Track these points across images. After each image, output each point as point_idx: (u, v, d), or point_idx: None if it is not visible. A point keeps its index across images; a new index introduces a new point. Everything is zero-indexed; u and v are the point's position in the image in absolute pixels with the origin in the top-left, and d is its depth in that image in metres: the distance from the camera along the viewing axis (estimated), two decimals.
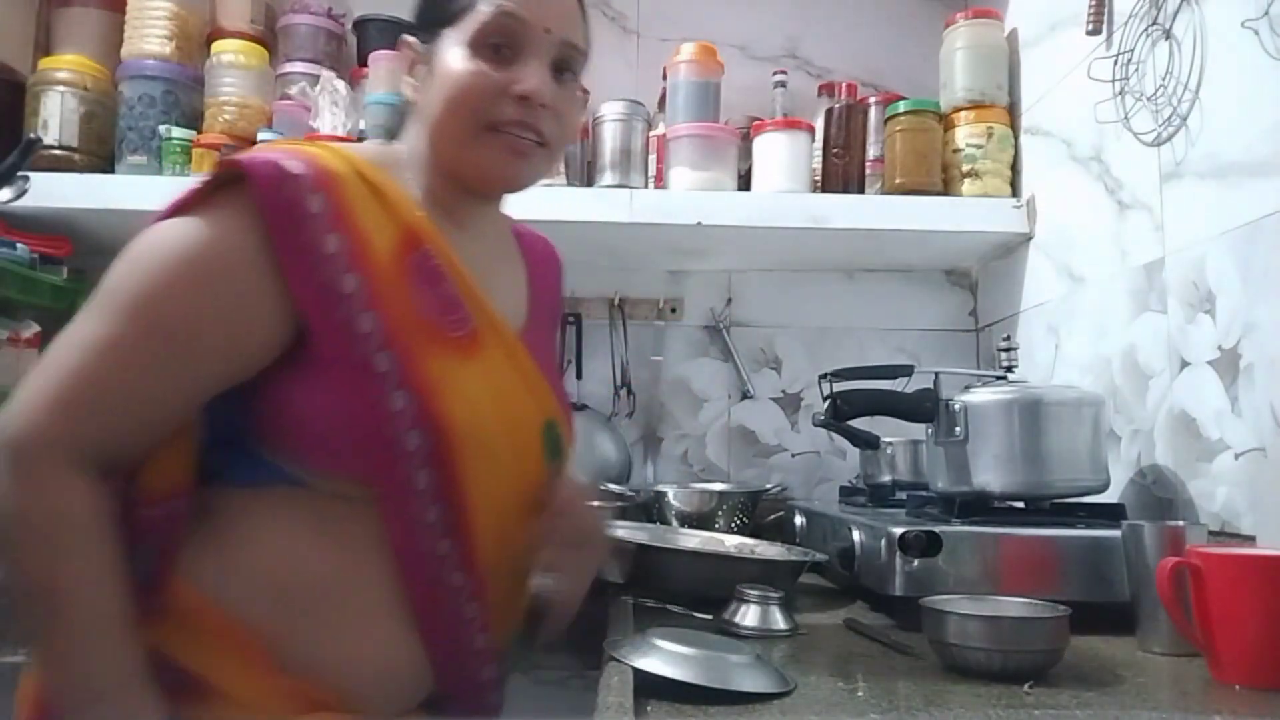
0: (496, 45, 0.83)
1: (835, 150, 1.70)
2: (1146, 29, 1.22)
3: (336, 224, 0.75)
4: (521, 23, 0.83)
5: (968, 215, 1.62)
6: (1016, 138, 1.66)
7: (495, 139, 0.83)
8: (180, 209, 0.75)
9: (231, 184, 0.74)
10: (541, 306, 0.96)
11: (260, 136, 1.61)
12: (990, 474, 1.13)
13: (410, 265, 0.79)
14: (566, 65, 0.87)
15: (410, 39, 0.89)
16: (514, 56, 0.83)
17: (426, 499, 0.76)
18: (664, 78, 1.74)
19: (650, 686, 0.73)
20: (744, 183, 1.70)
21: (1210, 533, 1.00)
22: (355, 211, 0.77)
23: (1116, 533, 0.99)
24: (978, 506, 1.13)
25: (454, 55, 0.83)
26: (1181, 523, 0.99)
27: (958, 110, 1.66)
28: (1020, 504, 1.17)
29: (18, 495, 0.68)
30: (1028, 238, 1.62)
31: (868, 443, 1.35)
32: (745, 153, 1.71)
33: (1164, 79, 1.18)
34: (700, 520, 1.55)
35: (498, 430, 0.80)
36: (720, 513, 1.56)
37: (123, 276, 0.72)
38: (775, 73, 1.84)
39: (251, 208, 0.73)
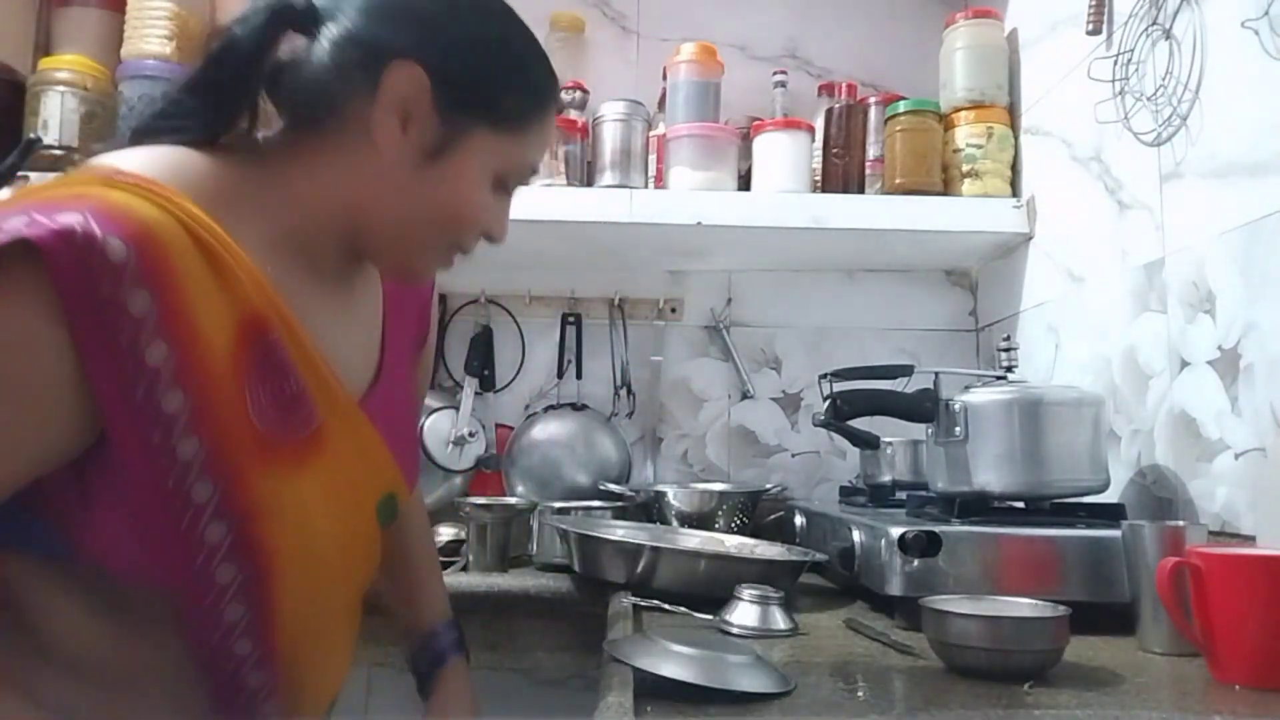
0: (507, 183, 0.77)
1: (835, 150, 1.70)
2: (1146, 29, 1.22)
3: (164, 329, 0.60)
4: (533, 174, 0.81)
5: (968, 215, 1.62)
6: (1016, 138, 1.66)
7: (446, 257, 0.78)
8: None
9: (25, 256, 0.56)
10: (399, 344, 0.86)
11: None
12: (990, 474, 1.13)
13: (250, 363, 0.65)
14: None
15: (424, 77, 0.70)
16: (506, 195, 0.79)
17: (237, 631, 0.67)
18: (664, 78, 1.75)
19: (650, 686, 0.73)
20: (744, 183, 1.70)
21: (1210, 533, 1.00)
22: (189, 306, 0.61)
23: (1116, 533, 0.99)
24: (978, 506, 1.13)
25: (478, 176, 0.74)
26: (1181, 523, 0.99)
27: (958, 110, 1.66)
28: (1020, 504, 1.17)
29: None
30: (1028, 238, 1.62)
31: (868, 443, 1.35)
32: (745, 153, 1.71)
33: (1164, 79, 1.18)
34: (700, 520, 1.55)
35: (328, 538, 0.71)
36: (720, 513, 1.56)
37: None
38: (775, 73, 1.84)
39: (51, 296, 0.57)
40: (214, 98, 0.73)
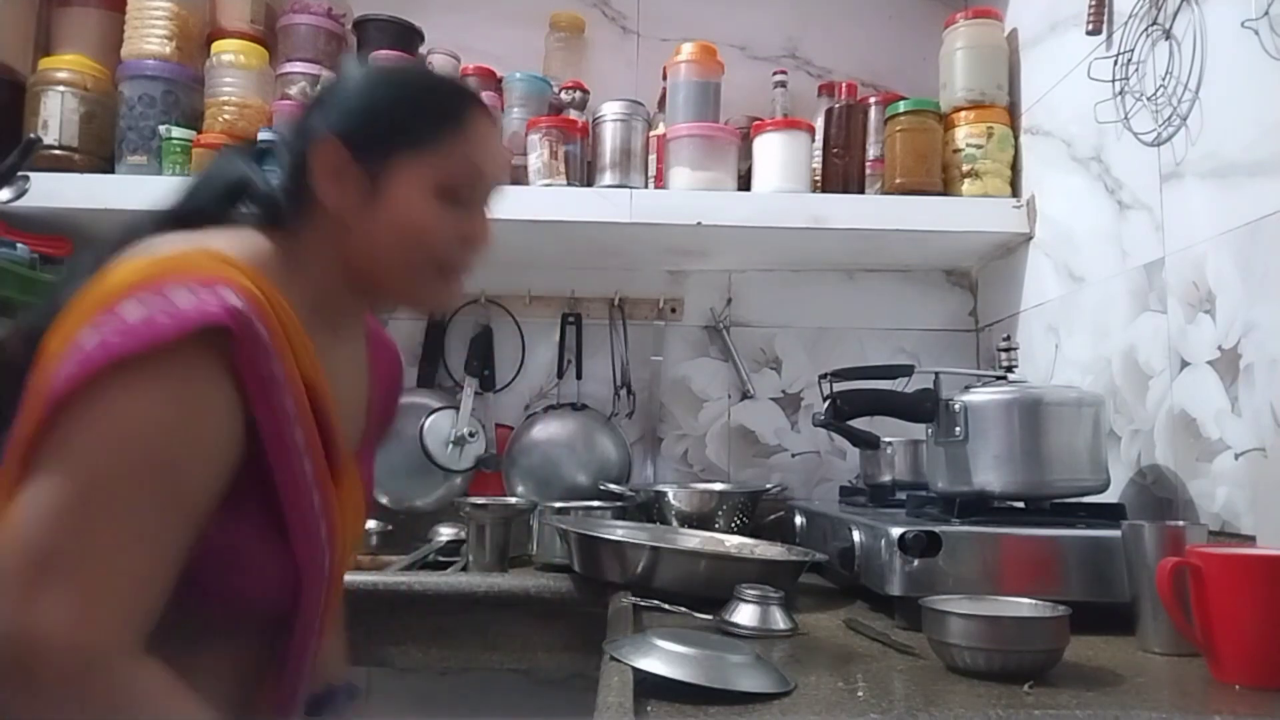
0: (458, 193, 0.86)
1: (835, 150, 1.70)
2: (1146, 29, 1.23)
3: (290, 387, 0.74)
4: (483, 177, 0.88)
5: (968, 215, 1.62)
6: (1016, 138, 1.66)
7: (444, 278, 0.88)
8: (134, 354, 0.66)
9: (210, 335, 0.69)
10: (376, 414, 0.99)
11: (260, 136, 1.61)
12: (990, 474, 1.13)
13: (312, 410, 0.78)
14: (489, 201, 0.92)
15: (338, 143, 0.83)
16: (467, 203, 0.87)
17: (314, 618, 0.80)
18: (664, 78, 1.75)
19: (650, 686, 0.73)
20: (744, 183, 1.70)
21: (1210, 533, 1.00)
22: (294, 369, 0.75)
23: (1116, 533, 0.99)
24: (978, 506, 1.13)
25: (417, 193, 0.84)
26: (1181, 523, 0.99)
27: (958, 110, 1.66)
28: (1020, 504, 1.17)
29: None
30: (1028, 238, 1.62)
31: (868, 443, 1.35)
32: (745, 153, 1.71)
33: (1164, 79, 1.18)
34: (700, 520, 1.55)
35: (345, 554, 0.86)
36: (720, 513, 1.56)
37: (113, 446, 0.66)
38: (775, 73, 1.84)
39: (228, 368, 0.70)
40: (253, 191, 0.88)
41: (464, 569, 1.52)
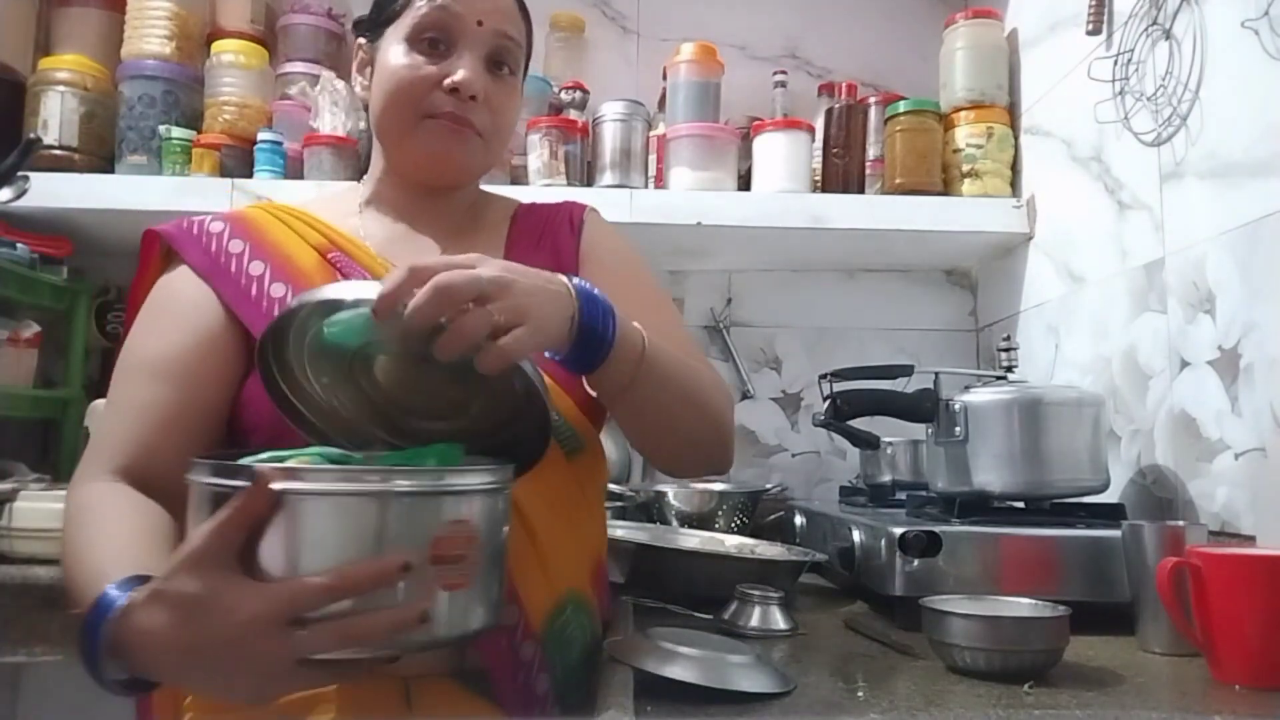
0: (433, 39, 0.90)
1: (835, 150, 1.70)
2: (1146, 29, 1.23)
3: (259, 255, 0.89)
4: (454, 16, 0.90)
5: (968, 215, 1.62)
6: (1016, 138, 1.66)
7: (431, 126, 0.90)
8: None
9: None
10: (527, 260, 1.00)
11: (260, 136, 1.61)
12: (990, 474, 1.13)
13: (333, 266, 0.89)
14: (502, 59, 0.93)
15: (361, 40, 0.98)
16: (449, 50, 0.90)
17: None
18: (664, 78, 1.74)
19: (650, 686, 0.73)
20: (744, 183, 1.70)
21: (1210, 533, 1.00)
22: (274, 244, 0.90)
23: (1116, 533, 0.99)
24: (978, 506, 1.13)
25: (393, 51, 0.91)
26: (1181, 523, 0.99)
27: (958, 110, 1.66)
28: (1020, 504, 1.17)
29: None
30: (1028, 238, 1.62)
31: (868, 443, 1.35)
32: (745, 153, 1.71)
33: (1164, 79, 1.18)
34: (700, 520, 1.55)
35: None
36: (720, 513, 1.56)
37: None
38: (775, 73, 1.84)
39: (179, 260, 0.89)
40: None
41: None
